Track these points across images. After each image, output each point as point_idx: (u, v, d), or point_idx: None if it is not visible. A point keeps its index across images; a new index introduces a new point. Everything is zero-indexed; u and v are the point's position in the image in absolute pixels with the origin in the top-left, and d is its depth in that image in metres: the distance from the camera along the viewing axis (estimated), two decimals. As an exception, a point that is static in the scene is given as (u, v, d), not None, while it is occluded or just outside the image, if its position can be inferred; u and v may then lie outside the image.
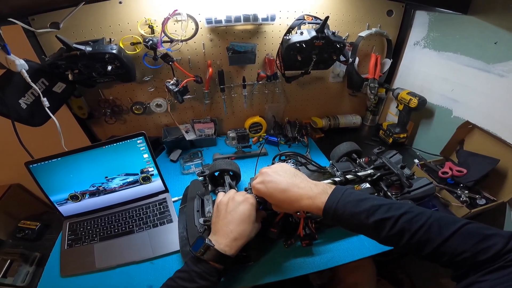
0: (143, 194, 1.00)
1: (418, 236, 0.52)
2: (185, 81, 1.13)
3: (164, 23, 0.99)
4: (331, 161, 1.10)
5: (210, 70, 1.16)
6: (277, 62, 1.17)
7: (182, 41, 1.06)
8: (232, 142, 1.26)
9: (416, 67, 1.34)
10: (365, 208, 0.57)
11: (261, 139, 1.43)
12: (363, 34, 1.28)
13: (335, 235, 0.92)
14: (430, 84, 1.27)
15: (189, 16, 1.03)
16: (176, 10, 0.99)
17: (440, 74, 1.22)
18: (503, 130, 1.00)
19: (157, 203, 0.98)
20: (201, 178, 1.02)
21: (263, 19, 1.08)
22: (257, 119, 1.41)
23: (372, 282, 1.13)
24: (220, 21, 1.06)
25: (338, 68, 1.39)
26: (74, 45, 0.93)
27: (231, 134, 1.25)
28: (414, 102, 1.24)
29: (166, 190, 1.02)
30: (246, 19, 1.06)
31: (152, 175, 0.98)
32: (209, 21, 1.06)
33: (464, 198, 1.00)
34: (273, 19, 1.09)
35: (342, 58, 1.23)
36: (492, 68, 1.00)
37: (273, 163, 0.97)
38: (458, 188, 1.04)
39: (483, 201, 1.00)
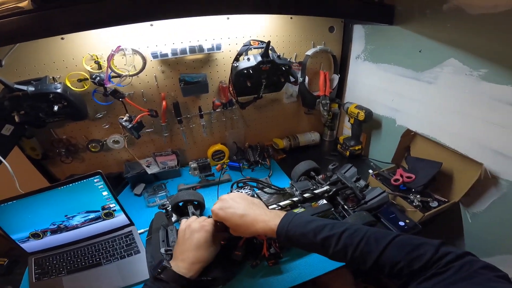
0: (108, 228, 1.01)
1: (360, 249, 0.57)
2: (138, 116, 1.13)
3: (109, 59, 1.00)
4: (290, 181, 1.13)
5: (164, 103, 1.17)
6: (230, 89, 1.22)
7: (130, 75, 1.08)
8: (195, 172, 1.26)
9: (361, 80, 1.43)
10: (312, 228, 0.62)
11: (224, 166, 1.43)
12: (309, 52, 1.36)
13: (301, 252, 0.93)
14: (374, 95, 1.35)
15: (134, 51, 1.05)
16: (120, 46, 1.01)
17: (380, 85, 1.30)
18: (440, 134, 1.09)
19: (123, 236, 0.99)
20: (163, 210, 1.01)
21: (209, 49, 1.13)
22: (218, 146, 1.42)
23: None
24: (166, 55, 1.09)
25: (290, 89, 1.45)
26: (16, 86, 0.90)
27: (193, 165, 1.25)
28: (361, 115, 1.32)
29: (131, 223, 1.03)
30: (192, 50, 1.10)
31: (115, 210, 0.98)
32: (154, 55, 1.08)
33: (417, 203, 1.05)
34: (218, 48, 1.14)
35: (291, 79, 1.29)
36: (421, 76, 1.09)
37: (231, 191, 0.99)
38: (411, 193, 1.09)
39: (435, 204, 1.04)
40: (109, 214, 0.98)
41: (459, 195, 1.04)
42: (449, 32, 0.96)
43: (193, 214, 0.98)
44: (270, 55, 1.11)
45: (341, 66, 1.48)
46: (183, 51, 1.10)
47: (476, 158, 0.96)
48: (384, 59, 1.25)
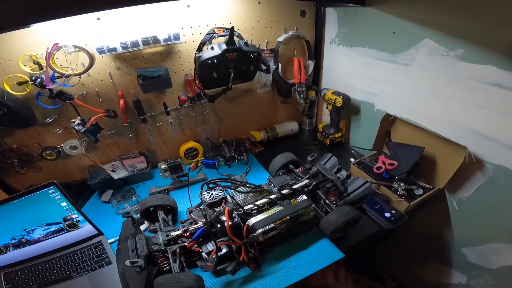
0: (74, 240, 0.95)
1: None
2: (93, 118, 1.02)
3: (47, 57, 0.87)
4: (268, 177, 1.06)
5: (122, 102, 1.05)
6: (196, 81, 1.11)
7: (76, 74, 0.95)
8: (165, 174, 1.17)
9: (336, 65, 1.37)
10: None
11: (199, 164, 1.34)
12: (281, 38, 1.27)
13: (284, 253, 0.89)
14: (351, 80, 1.30)
15: (77, 47, 0.92)
16: (57, 43, 0.88)
17: (356, 70, 1.25)
18: (419, 118, 1.04)
19: (92, 247, 0.94)
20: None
21: (166, 40, 1.02)
22: (191, 144, 1.32)
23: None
24: (114, 49, 0.97)
25: (263, 78, 1.37)
26: None
27: (162, 166, 1.15)
28: (339, 101, 1.25)
29: (100, 233, 0.97)
30: (146, 42, 0.99)
31: (79, 221, 0.92)
32: (100, 51, 0.96)
33: (402, 192, 1.01)
34: (176, 38, 1.03)
35: (262, 67, 1.20)
36: (396, 58, 1.04)
37: (201, 193, 0.90)
38: (394, 181, 1.05)
39: (420, 191, 1.01)
40: (73, 225, 0.92)
41: (443, 181, 1.00)
42: (422, 12, 0.90)
43: (164, 220, 0.91)
44: (236, 43, 1.01)
45: (316, 51, 1.41)
46: (135, 44, 0.98)
47: (458, 141, 0.92)
48: (358, 42, 1.19)
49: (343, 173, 1.05)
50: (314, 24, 1.35)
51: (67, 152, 1.12)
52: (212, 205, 0.88)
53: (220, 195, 0.90)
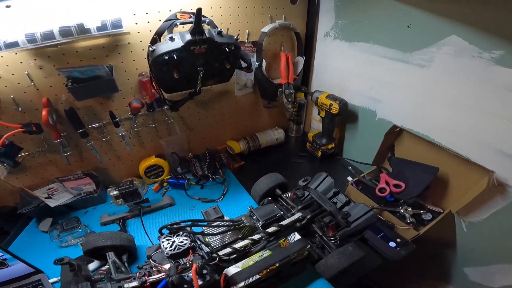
0: (5, 278, 0.79)
1: None
2: (4, 137, 0.73)
3: None
4: (249, 208, 0.85)
5: (44, 112, 0.77)
6: (153, 84, 0.85)
7: None
8: (118, 202, 0.92)
9: (331, 63, 1.16)
10: None
11: (164, 184, 1.09)
12: (265, 29, 1.05)
13: None
14: (348, 82, 1.10)
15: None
16: None
17: (356, 69, 1.05)
18: (433, 131, 0.86)
19: (30, 286, 0.78)
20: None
21: (100, 29, 0.74)
22: (153, 160, 1.07)
23: None
24: (15, 44, 0.68)
25: (243, 77, 1.12)
26: None
27: (113, 192, 0.89)
28: (335, 107, 1.05)
29: (38, 271, 0.80)
30: (67, 33, 0.70)
31: (6, 259, 0.75)
32: None
33: (410, 219, 0.85)
34: (117, 26, 0.76)
35: (242, 64, 0.96)
36: (410, 58, 0.85)
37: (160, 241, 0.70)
38: (400, 205, 0.90)
39: (429, 216, 0.88)
40: (1, 264, 0.74)
41: (457, 206, 0.85)
42: (451, 2, 0.71)
43: (114, 263, 0.74)
44: (206, 32, 0.75)
45: (306, 46, 1.20)
46: (48, 36, 0.70)
47: (481, 162, 0.77)
48: (360, 36, 0.99)
49: (341, 197, 0.89)
50: (306, 13, 1.13)
51: (-18, 177, 0.83)
52: (175, 256, 0.68)
53: (185, 243, 0.70)
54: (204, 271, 0.64)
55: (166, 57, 0.72)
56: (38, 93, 0.81)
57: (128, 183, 0.91)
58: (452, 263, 1.00)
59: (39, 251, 0.87)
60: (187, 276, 0.63)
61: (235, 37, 0.82)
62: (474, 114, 0.75)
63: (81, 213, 1.00)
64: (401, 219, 0.86)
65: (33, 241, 0.91)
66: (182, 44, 0.72)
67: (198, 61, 0.79)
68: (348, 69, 1.08)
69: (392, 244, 0.81)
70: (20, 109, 0.80)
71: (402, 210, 0.87)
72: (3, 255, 0.73)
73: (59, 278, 0.78)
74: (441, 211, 0.89)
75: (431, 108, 0.84)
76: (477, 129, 0.76)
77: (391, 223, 0.87)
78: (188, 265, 0.66)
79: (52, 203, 0.93)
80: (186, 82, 0.84)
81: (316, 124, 1.31)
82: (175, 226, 0.68)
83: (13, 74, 0.76)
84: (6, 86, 0.77)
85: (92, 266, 0.79)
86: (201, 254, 0.69)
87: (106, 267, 0.75)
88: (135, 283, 0.63)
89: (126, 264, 0.76)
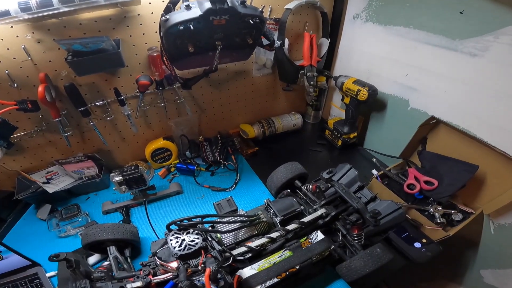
0: (0, 272, 0.74)
1: None
2: None
3: None
4: (266, 201, 0.78)
5: (40, 88, 0.68)
6: (164, 59, 0.75)
7: None
8: (122, 188, 0.84)
9: (359, 47, 1.05)
10: None
11: (172, 170, 1.01)
12: (290, 6, 0.94)
13: None
14: (379, 68, 1.00)
15: None
16: None
17: (389, 55, 0.94)
18: (478, 126, 0.77)
19: (26, 280, 0.73)
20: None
21: None
22: (161, 143, 0.99)
23: None
24: (6, 13, 0.58)
25: (263, 56, 1.03)
26: None
27: (116, 178, 0.82)
28: (363, 94, 0.95)
29: (34, 264, 0.76)
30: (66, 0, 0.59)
31: (1, 251, 0.70)
32: None
33: (440, 219, 0.78)
34: None
35: (264, 41, 0.86)
36: (459, 45, 0.75)
37: (167, 237, 0.64)
38: (429, 203, 0.83)
39: (459, 217, 0.81)
40: None
41: (491, 207, 0.80)
42: None
43: (116, 259, 0.68)
44: (229, 1, 0.64)
45: (332, 27, 1.09)
46: (45, 4, 0.59)
47: None
48: (398, 20, 0.88)
49: (366, 192, 0.81)
50: (336, -9, 1.01)
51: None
52: (184, 257, 0.61)
53: (197, 243, 0.62)
54: (218, 276, 0.58)
55: (181, 28, 0.62)
56: (35, 69, 0.73)
57: (133, 167, 0.84)
58: (470, 264, 0.96)
59: (37, 241, 0.82)
60: (198, 280, 0.57)
61: (260, 10, 0.71)
62: None
63: (82, 199, 0.94)
64: (430, 218, 0.79)
65: (30, 230, 0.85)
66: (200, 13, 0.62)
67: (217, 34, 0.69)
68: (379, 54, 0.98)
69: (417, 245, 0.75)
70: (15, 85, 0.72)
71: (431, 209, 0.80)
72: None
73: (57, 272, 0.71)
74: (473, 211, 0.82)
75: (478, 101, 0.75)
76: None
77: (418, 223, 0.80)
78: (199, 268, 0.59)
79: (50, 189, 0.87)
80: (201, 57, 0.74)
81: (336, 111, 1.21)
82: (184, 223, 0.61)
83: (8, 49, 0.68)
84: (0, 61, 0.68)
85: (92, 259, 0.75)
86: (214, 254, 0.62)
87: (107, 262, 0.70)
88: (138, 283, 0.58)
89: (129, 260, 0.71)
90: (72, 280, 0.58)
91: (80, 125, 0.87)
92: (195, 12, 0.62)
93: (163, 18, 0.62)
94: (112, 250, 0.69)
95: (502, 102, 0.70)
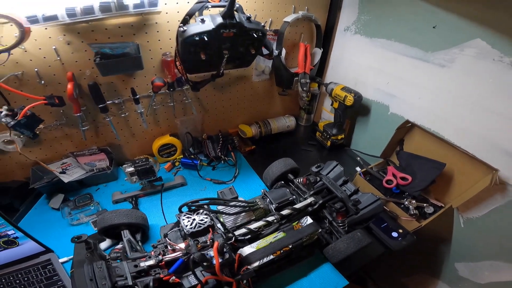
0: (15, 258, 0.76)
1: None
2: (26, 108, 0.73)
3: None
4: (262, 191, 0.89)
5: (69, 86, 0.77)
6: (177, 64, 0.85)
7: (2, 51, 0.66)
8: (133, 179, 0.93)
9: (348, 56, 1.17)
10: None
11: (176, 164, 1.11)
12: (288, 19, 1.04)
13: (281, 281, 0.75)
14: (364, 76, 1.12)
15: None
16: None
17: (374, 64, 1.06)
18: (446, 129, 0.90)
19: (39, 266, 0.76)
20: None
21: (137, 6, 0.74)
22: (167, 139, 1.08)
23: None
24: (54, 17, 0.67)
25: (262, 64, 1.13)
26: None
27: (128, 169, 0.91)
28: (349, 100, 1.07)
29: (48, 250, 0.79)
30: (106, 9, 0.70)
31: (17, 237, 0.74)
32: (32, 19, 0.66)
33: (413, 211, 0.89)
34: (153, 4, 0.76)
35: (264, 51, 0.97)
36: (431, 57, 0.87)
37: (179, 219, 0.70)
38: (404, 197, 0.94)
39: (431, 210, 0.91)
40: (11, 243, 0.73)
41: (459, 201, 0.90)
42: (479, 7, 0.73)
43: (130, 243, 0.74)
44: (237, 17, 0.75)
45: (325, 38, 1.20)
46: (89, 11, 0.70)
47: (486, 160, 0.81)
48: (382, 33, 1.00)
49: (350, 186, 0.91)
50: (328, 6, 1.13)
51: (0, 147, 0.84)
52: (194, 234, 0.68)
53: (206, 222, 0.70)
54: (224, 249, 0.64)
55: (197, 38, 0.72)
56: (63, 68, 0.81)
57: (143, 160, 0.92)
58: (445, 258, 1.04)
59: (49, 229, 0.85)
60: (207, 254, 0.63)
61: (262, 24, 0.82)
62: (486, 114, 0.78)
63: (93, 190, 1.00)
64: (405, 210, 0.89)
65: (42, 218, 0.89)
66: (213, 26, 0.73)
67: (225, 44, 0.80)
68: (365, 63, 1.09)
69: (395, 234, 0.84)
70: (42, 82, 0.80)
71: (406, 202, 0.91)
72: (14, 233, 0.73)
73: (70, 257, 0.78)
74: (443, 205, 0.93)
75: (445, 106, 0.87)
76: (488, 129, 0.79)
77: (395, 214, 0.91)
78: (208, 243, 0.66)
79: (65, 178, 0.93)
80: (210, 64, 0.85)
81: (326, 114, 1.34)
82: (195, 204, 0.70)
83: (39, 49, 0.76)
84: (31, 60, 0.76)
85: (103, 245, 0.80)
86: (220, 233, 0.71)
87: (119, 246, 0.75)
88: (151, 262, 0.64)
89: (140, 243, 0.77)
90: (87, 262, 0.63)
91: (96, 121, 0.96)
92: (209, 25, 0.73)
93: (181, 28, 0.73)
94: (126, 234, 0.75)
95: (465, 108, 0.82)
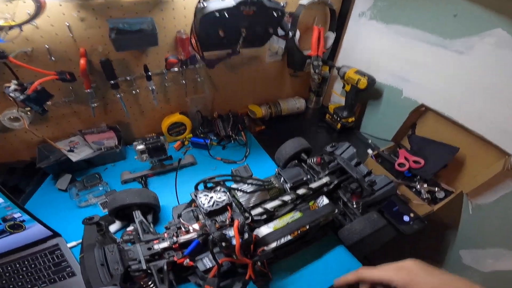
0: (21, 243, 0.73)
1: None
2: (37, 82, 0.71)
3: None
4: (276, 170, 0.86)
5: (83, 61, 0.75)
6: (193, 41, 0.82)
7: (13, 26, 0.63)
8: (143, 157, 0.91)
9: (361, 41, 1.15)
10: None
11: (186, 143, 1.09)
12: (304, 2, 1.02)
13: (295, 263, 0.74)
14: (378, 61, 1.10)
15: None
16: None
17: (388, 49, 1.05)
18: (460, 114, 0.89)
19: (47, 251, 0.72)
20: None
21: None
22: (177, 117, 1.06)
23: None
24: None
25: (275, 45, 1.10)
26: None
27: (139, 146, 0.88)
28: (363, 83, 1.06)
29: (55, 234, 0.75)
30: None
31: (24, 221, 0.70)
32: None
33: (425, 195, 0.90)
34: None
35: (280, 31, 0.94)
36: (449, 44, 0.86)
37: (195, 196, 0.68)
38: (416, 180, 0.94)
39: (442, 194, 0.91)
40: (17, 227, 0.69)
41: (470, 186, 0.91)
42: None
43: (142, 223, 0.71)
44: (258, -6, 0.72)
45: (339, 23, 1.18)
46: None
47: (499, 144, 0.81)
48: (399, 19, 0.98)
49: (362, 168, 0.87)
50: (345, -10, 1.09)
51: (6, 125, 0.80)
52: (212, 213, 0.66)
53: (224, 200, 0.68)
54: (244, 229, 0.62)
55: (217, 15, 0.70)
56: (75, 45, 0.78)
57: (154, 137, 0.90)
58: (450, 245, 1.05)
59: (56, 212, 0.82)
60: (226, 234, 0.61)
61: (282, 4, 0.79)
62: (503, 102, 0.78)
63: (100, 170, 0.97)
64: (417, 194, 0.90)
65: (48, 200, 0.86)
66: (234, 3, 0.70)
67: (243, 22, 0.78)
68: (379, 48, 1.08)
69: (406, 218, 0.85)
70: (53, 58, 0.77)
71: (418, 186, 0.92)
72: (21, 216, 0.70)
73: (78, 242, 0.75)
74: (453, 191, 0.93)
75: (461, 92, 0.87)
76: (503, 117, 0.79)
77: (407, 198, 0.91)
78: (227, 222, 0.64)
79: (74, 157, 0.90)
80: (226, 42, 0.82)
81: (336, 98, 1.32)
82: (214, 180, 0.68)
83: (52, 25, 0.73)
84: (42, 36, 0.73)
85: (113, 227, 0.77)
86: (238, 212, 0.68)
87: (130, 227, 0.71)
88: (165, 244, 0.62)
89: (152, 225, 0.74)
90: (98, 246, 0.61)
91: (105, 98, 0.93)
92: (230, 2, 0.71)
93: (201, 4, 0.70)
94: (138, 215, 0.72)
95: (481, 94, 0.82)
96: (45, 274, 0.68)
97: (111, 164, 1.00)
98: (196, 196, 0.69)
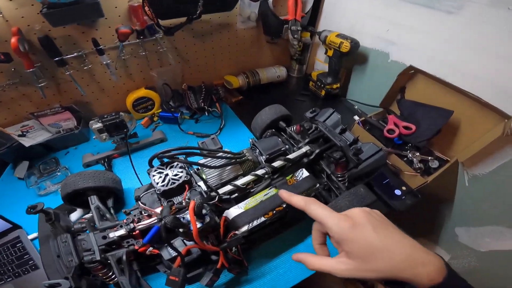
0: None
1: None
2: None
3: None
4: (250, 140, 0.76)
5: (13, 40, 0.67)
6: (145, 8, 0.71)
7: None
8: (102, 136, 0.81)
9: (343, 4, 1.07)
10: None
11: (155, 119, 1.00)
12: None
13: (275, 247, 0.68)
14: (361, 24, 1.01)
15: None
16: None
17: (372, 12, 0.97)
18: (453, 75, 0.80)
19: (8, 245, 0.69)
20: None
21: None
22: (142, 92, 0.97)
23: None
24: None
25: (247, 9, 1.00)
26: None
27: (95, 125, 0.79)
28: (346, 46, 0.96)
29: (16, 226, 0.72)
30: None
31: None
32: None
33: (418, 165, 0.81)
34: None
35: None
36: (437, 4, 0.78)
37: (150, 173, 0.59)
38: (407, 149, 0.85)
39: (436, 164, 0.83)
40: None
41: (466, 154, 0.81)
42: None
43: (98, 209, 0.64)
44: None
45: None
46: None
47: (498, 106, 0.72)
48: None
49: (348, 135, 0.75)
50: None
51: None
52: (167, 193, 0.58)
53: (180, 177, 0.59)
54: (204, 211, 0.52)
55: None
56: (7, 25, 0.71)
57: (113, 114, 0.80)
58: (445, 221, 1.00)
59: (16, 202, 0.77)
60: (183, 218, 0.50)
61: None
62: (500, 61, 0.69)
63: (62, 154, 0.91)
64: (409, 164, 0.81)
65: (8, 191, 0.81)
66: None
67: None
68: (362, 11, 1.00)
69: (398, 192, 0.77)
70: (-16, 40, 0.67)
71: (410, 155, 0.83)
72: None
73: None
74: (448, 159, 0.85)
75: (453, 52, 0.78)
76: (501, 76, 0.70)
77: (398, 168, 0.83)
78: (184, 203, 0.55)
79: (26, 142, 0.82)
80: (184, 8, 0.71)
81: (320, 65, 1.22)
82: (167, 154, 0.58)
83: None
84: None
85: (74, 216, 0.72)
86: (199, 190, 0.59)
87: (89, 215, 0.65)
88: (122, 232, 0.55)
89: (112, 210, 0.67)
90: (53, 237, 0.55)
91: (55, 77, 0.84)
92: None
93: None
94: (94, 200, 0.65)
95: (475, 54, 0.74)
96: (9, 268, 0.65)
97: (73, 148, 0.93)
98: (149, 173, 0.60)
